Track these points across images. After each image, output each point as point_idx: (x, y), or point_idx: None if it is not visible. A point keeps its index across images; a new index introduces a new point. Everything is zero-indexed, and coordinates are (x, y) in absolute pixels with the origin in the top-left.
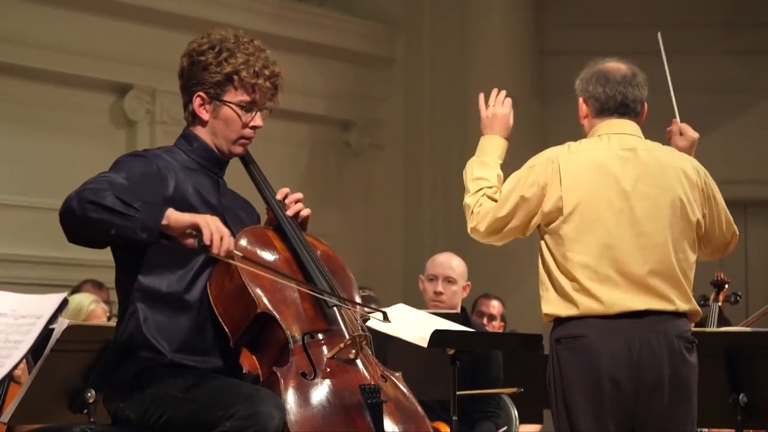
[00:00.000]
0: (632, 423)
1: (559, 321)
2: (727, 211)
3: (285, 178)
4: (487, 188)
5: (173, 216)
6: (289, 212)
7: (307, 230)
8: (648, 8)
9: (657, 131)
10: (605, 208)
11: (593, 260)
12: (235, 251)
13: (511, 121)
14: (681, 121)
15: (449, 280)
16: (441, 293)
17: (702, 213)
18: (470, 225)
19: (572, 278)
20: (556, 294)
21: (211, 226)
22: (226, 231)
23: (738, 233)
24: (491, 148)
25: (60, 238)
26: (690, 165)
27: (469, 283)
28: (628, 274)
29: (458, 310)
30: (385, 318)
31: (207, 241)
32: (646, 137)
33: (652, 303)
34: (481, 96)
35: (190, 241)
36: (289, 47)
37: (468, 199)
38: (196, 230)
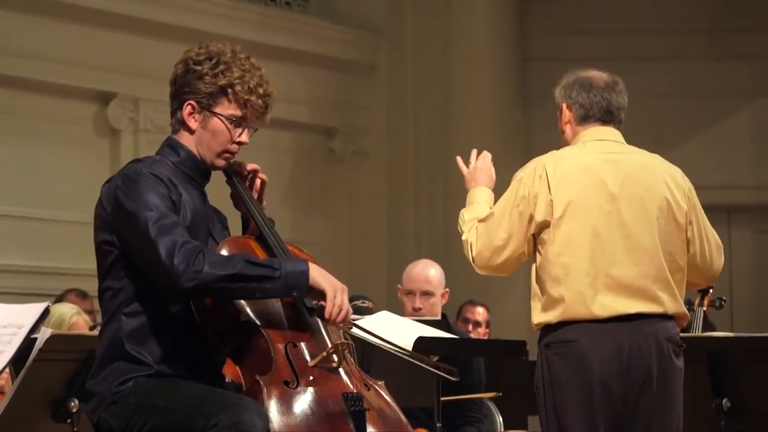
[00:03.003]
0: (621, 425)
1: (548, 326)
2: (714, 232)
3: (268, 185)
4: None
5: (313, 274)
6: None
7: (263, 198)
8: (630, 15)
9: (640, 136)
10: (594, 211)
11: (584, 263)
12: (349, 321)
13: (494, 174)
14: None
15: (427, 294)
16: (420, 308)
17: (688, 219)
18: (471, 256)
19: (562, 282)
20: (546, 300)
21: (337, 301)
22: (346, 305)
23: (721, 268)
24: (479, 197)
25: (42, 247)
26: (676, 170)
27: (447, 289)
28: (618, 277)
29: (439, 317)
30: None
31: (327, 315)
32: (630, 142)
33: (642, 306)
34: (458, 158)
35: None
36: (272, 55)
37: (464, 237)
38: (322, 296)
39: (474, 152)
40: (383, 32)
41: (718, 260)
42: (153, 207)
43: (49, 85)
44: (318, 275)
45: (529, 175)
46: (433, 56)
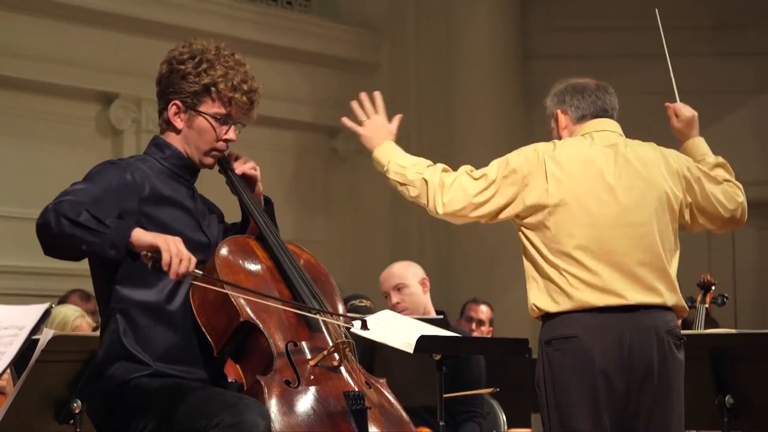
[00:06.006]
0: (624, 418)
1: (547, 318)
2: (728, 187)
3: (271, 185)
4: (442, 166)
5: (136, 234)
6: (238, 171)
7: (257, 187)
8: (632, 12)
9: (642, 133)
10: (592, 200)
11: (581, 252)
12: (195, 270)
13: (393, 126)
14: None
15: (398, 287)
16: (398, 303)
17: (686, 201)
18: (441, 200)
19: (561, 271)
20: (545, 287)
21: (172, 250)
22: (186, 254)
23: (745, 205)
24: (395, 150)
25: None
26: (670, 154)
27: (425, 277)
28: (617, 264)
29: (434, 314)
30: (364, 326)
31: (165, 266)
32: (630, 136)
33: (641, 296)
34: (345, 119)
35: (145, 261)
36: (273, 54)
37: (426, 175)
38: (155, 252)
39: (355, 105)
40: (385, 31)
41: (736, 205)
42: (88, 182)
43: (51, 86)
44: (144, 234)
45: (527, 153)
46: (435, 54)
